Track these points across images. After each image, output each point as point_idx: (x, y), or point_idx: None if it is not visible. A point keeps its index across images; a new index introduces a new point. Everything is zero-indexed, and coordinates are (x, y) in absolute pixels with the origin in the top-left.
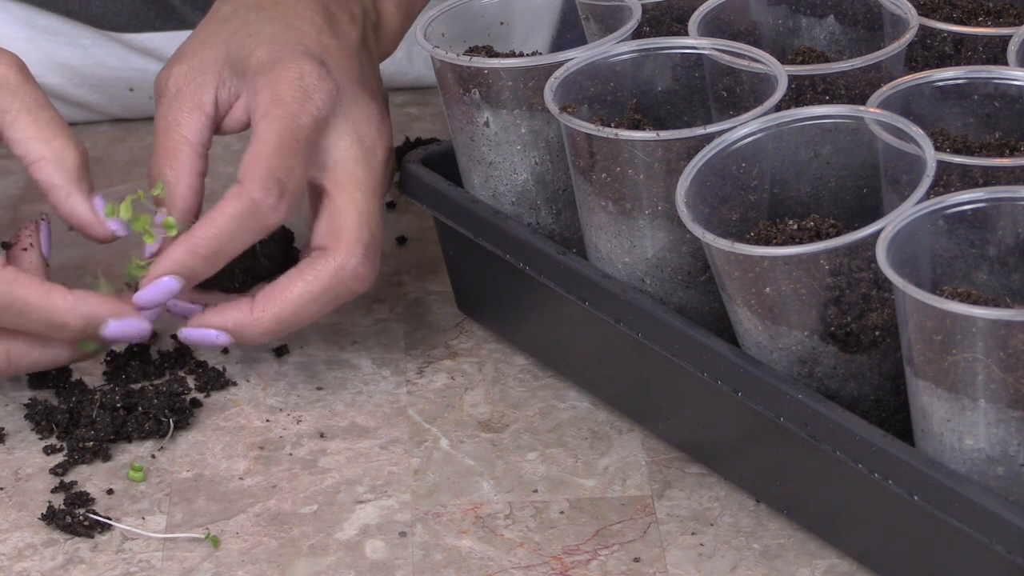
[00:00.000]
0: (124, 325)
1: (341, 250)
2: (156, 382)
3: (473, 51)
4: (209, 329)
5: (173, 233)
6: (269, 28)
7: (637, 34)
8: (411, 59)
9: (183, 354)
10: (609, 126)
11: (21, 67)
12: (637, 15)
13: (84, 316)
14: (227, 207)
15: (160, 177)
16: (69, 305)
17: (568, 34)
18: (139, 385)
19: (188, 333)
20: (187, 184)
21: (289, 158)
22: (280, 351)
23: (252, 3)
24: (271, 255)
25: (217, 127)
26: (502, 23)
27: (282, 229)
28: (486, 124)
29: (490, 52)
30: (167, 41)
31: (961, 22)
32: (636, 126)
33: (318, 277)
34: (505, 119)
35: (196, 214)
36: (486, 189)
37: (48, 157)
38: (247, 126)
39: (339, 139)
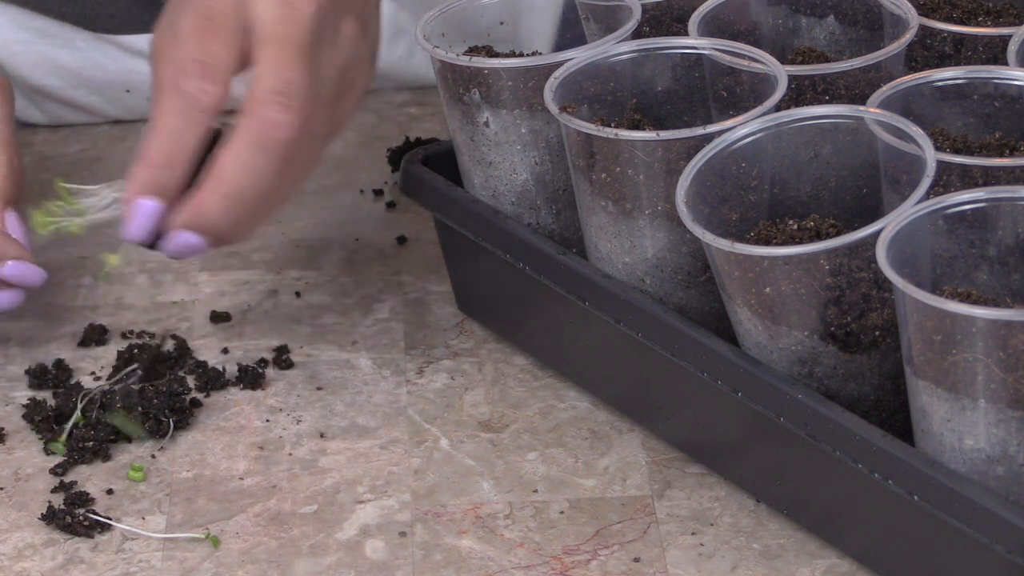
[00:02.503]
0: (22, 268)
1: (253, 105)
2: (156, 382)
3: (473, 51)
4: (182, 233)
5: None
6: None
7: (637, 34)
8: (411, 56)
9: (183, 354)
10: (609, 126)
11: (2, 85)
12: (637, 15)
13: None
14: (240, 136)
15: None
16: None
17: (568, 34)
18: (139, 385)
19: (169, 246)
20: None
21: (206, 42)
22: (280, 351)
23: None
24: None
25: None
26: (502, 23)
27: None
28: (486, 124)
29: (490, 52)
30: None
31: (961, 22)
32: (636, 126)
33: (239, 140)
34: (505, 119)
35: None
36: (486, 189)
37: None
38: None
39: (257, 6)
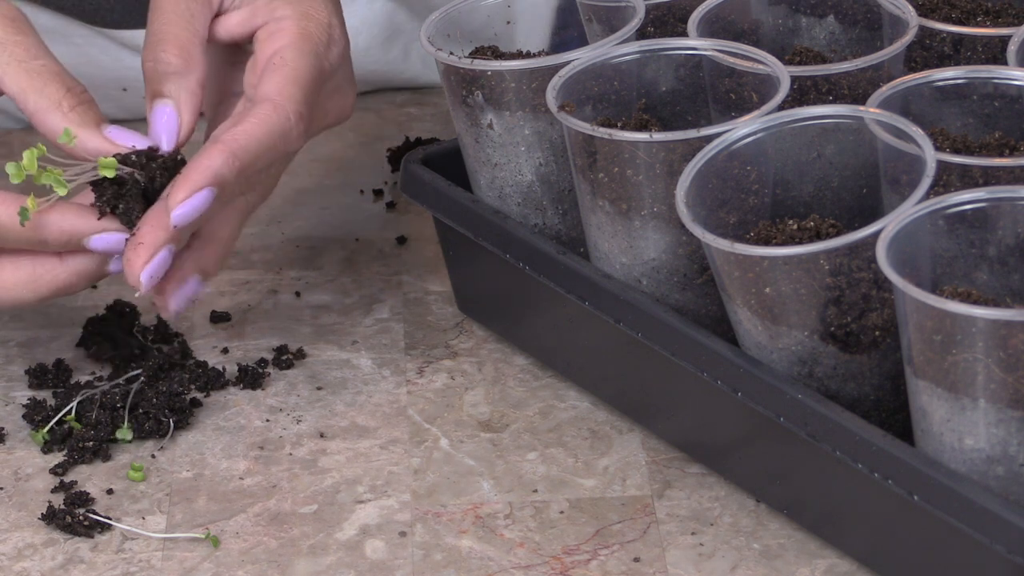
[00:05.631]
0: (106, 240)
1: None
2: (156, 382)
3: (479, 52)
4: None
5: (72, 144)
6: None
7: (641, 35)
8: (407, 56)
9: (183, 354)
10: (615, 126)
11: (14, 18)
12: (640, 15)
13: (64, 232)
14: (266, 119)
15: (168, 69)
16: (48, 221)
17: (560, 36)
18: (139, 385)
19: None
20: (198, 81)
21: (314, 94)
22: (280, 351)
23: None
24: None
25: None
26: (509, 23)
27: None
28: (490, 126)
29: (496, 53)
30: None
31: (960, 22)
32: (644, 126)
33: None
34: (508, 121)
35: (195, 120)
36: (492, 190)
37: (45, 107)
38: (235, 39)
39: (328, 98)
